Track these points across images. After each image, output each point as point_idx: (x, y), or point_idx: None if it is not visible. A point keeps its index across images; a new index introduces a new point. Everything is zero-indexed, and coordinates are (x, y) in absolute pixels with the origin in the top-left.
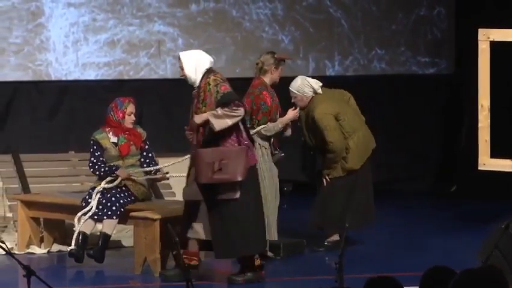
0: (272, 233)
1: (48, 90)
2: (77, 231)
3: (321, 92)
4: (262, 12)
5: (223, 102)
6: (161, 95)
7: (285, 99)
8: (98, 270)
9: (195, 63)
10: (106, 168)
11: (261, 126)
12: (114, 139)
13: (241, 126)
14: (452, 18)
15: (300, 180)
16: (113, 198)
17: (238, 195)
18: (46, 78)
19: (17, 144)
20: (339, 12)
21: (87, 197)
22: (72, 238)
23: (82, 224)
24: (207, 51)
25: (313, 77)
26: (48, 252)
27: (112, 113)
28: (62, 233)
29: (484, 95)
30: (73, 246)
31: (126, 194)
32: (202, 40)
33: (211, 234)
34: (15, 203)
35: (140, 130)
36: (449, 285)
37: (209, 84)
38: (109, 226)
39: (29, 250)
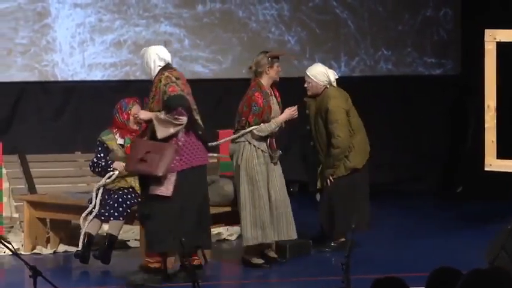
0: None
1: (55, 91)
2: (83, 232)
3: (335, 85)
4: (268, 12)
5: (168, 106)
6: None
7: (289, 99)
8: (104, 271)
9: (153, 58)
10: (103, 164)
11: (253, 127)
12: (121, 141)
13: (185, 131)
14: (458, 19)
15: (306, 181)
16: (119, 199)
17: (169, 192)
18: (52, 79)
19: (24, 144)
20: (345, 13)
21: (92, 197)
22: (79, 239)
23: (88, 225)
24: (213, 52)
25: None
26: (55, 252)
27: (117, 115)
28: (68, 233)
29: (490, 96)
30: (79, 247)
31: (132, 195)
32: (209, 41)
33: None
34: (22, 203)
35: None
36: (455, 285)
37: (160, 81)
38: (115, 227)
39: (36, 251)
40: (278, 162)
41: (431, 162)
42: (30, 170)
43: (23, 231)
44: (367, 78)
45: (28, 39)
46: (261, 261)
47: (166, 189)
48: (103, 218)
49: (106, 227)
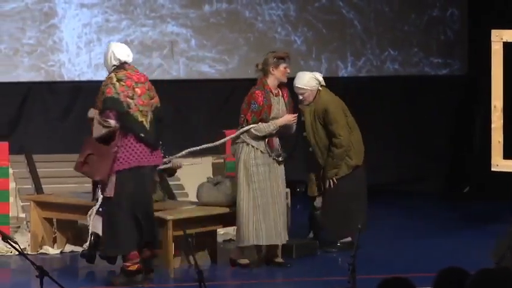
0: (282, 236)
1: (61, 91)
2: (90, 232)
3: (324, 84)
4: (274, 13)
5: (102, 108)
6: (174, 96)
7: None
8: (111, 271)
9: (109, 56)
10: None
11: (251, 125)
12: None
13: (123, 134)
14: (465, 19)
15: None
16: None
17: (112, 193)
18: (59, 79)
19: (30, 144)
20: (351, 13)
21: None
22: (85, 239)
23: (95, 225)
24: (220, 52)
25: (325, 78)
26: (61, 252)
27: None
28: (74, 233)
29: (497, 96)
30: (85, 247)
31: None
32: (215, 41)
33: None
34: (28, 203)
35: None
36: (463, 285)
37: (105, 80)
38: None
39: (42, 250)
40: (281, 165)
41: (436, 162)
42: (37, 170)
43: (29, 231)
44: (373, 78)
45: (35, 39)
46: (246, 261)
47: (109, 191)
48: None
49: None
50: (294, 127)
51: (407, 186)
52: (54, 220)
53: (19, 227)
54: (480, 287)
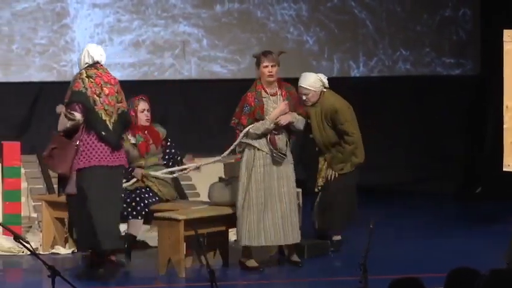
0: (290, 236)
1: None
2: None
3: (328, 86)
4: (287, 13)
5: (68, 101)
6: (186, 96)
7: None
8: (123, 271)
9: (84, 54)
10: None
11: (249, 127)
12: (133, 140)
13: (86, 130)
14: (477, 19)
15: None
16: (137, 199)
17: (74, 190)
18: (71, 79)
19: (42, 144)
20: (363, 13)
21: None
22: None
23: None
24: (231, 52)
25: (338, 78)
26: (73, 252)
27: None
28: None
29: (509, 96)
30: None
31: (150, 194)
32: (227, 41)
33: None
34: (40, 203)
35: (159, 129)
36: (473, 285)
37: (75, 76)
38: (134, 227)
39: (54, 250)
40: (289, 164)
41: (447, 162)
42: (49, 170)
43: (41, 231)
44: (385, 78)
45: (47, 39)
46: (254, 263)
47: (71, 188)
48: (121, 217)
49: (125, 227)
50: (301, 121)
51: (418, 186)
52: (66, 220)
53: (31, 226)
54: None
